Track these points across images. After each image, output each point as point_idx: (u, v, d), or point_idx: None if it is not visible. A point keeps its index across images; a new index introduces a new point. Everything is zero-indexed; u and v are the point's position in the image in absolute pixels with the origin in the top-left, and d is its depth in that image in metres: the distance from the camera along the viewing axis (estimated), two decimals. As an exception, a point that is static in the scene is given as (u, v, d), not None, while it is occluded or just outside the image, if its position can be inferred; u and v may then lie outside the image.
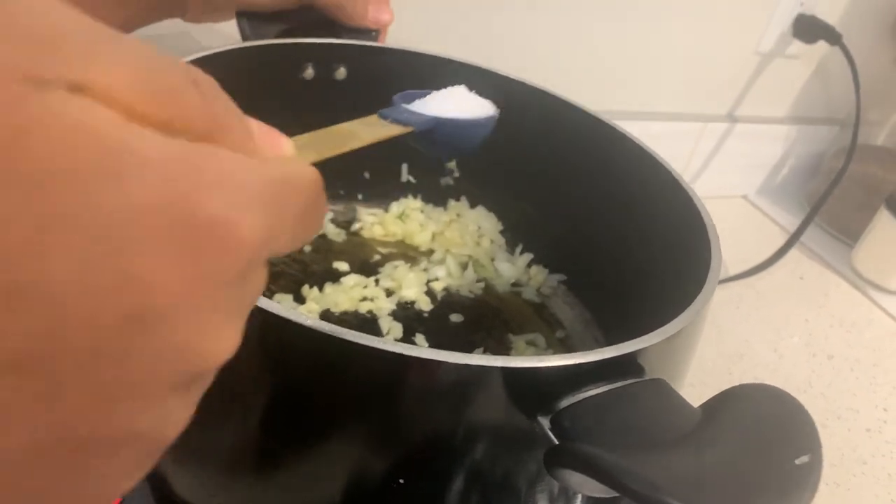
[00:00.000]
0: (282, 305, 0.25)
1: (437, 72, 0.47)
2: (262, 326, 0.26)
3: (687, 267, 0.36)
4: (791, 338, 0.69)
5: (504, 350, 0.45)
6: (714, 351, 0.64)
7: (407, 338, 0.44)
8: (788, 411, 0.25)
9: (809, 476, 0.23)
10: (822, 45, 0.78)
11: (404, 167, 0.52)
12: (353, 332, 0.25)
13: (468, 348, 0.44)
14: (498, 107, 0.35)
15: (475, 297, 0.50)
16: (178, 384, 0.14)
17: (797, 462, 0.23)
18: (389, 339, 0.25)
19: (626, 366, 0.27)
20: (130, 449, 0.14)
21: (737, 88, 0.82)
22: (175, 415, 0.15)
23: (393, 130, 0.29)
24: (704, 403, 0.27)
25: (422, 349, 0.24)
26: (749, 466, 0.23)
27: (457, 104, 0.32)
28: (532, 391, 0.26)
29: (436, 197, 0.53)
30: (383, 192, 0.52)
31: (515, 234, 0.53)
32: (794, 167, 0.92)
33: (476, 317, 0.48)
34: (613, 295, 0.46)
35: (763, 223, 0.87)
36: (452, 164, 0.52)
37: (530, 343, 0.46)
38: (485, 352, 0.44)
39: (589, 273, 0.49)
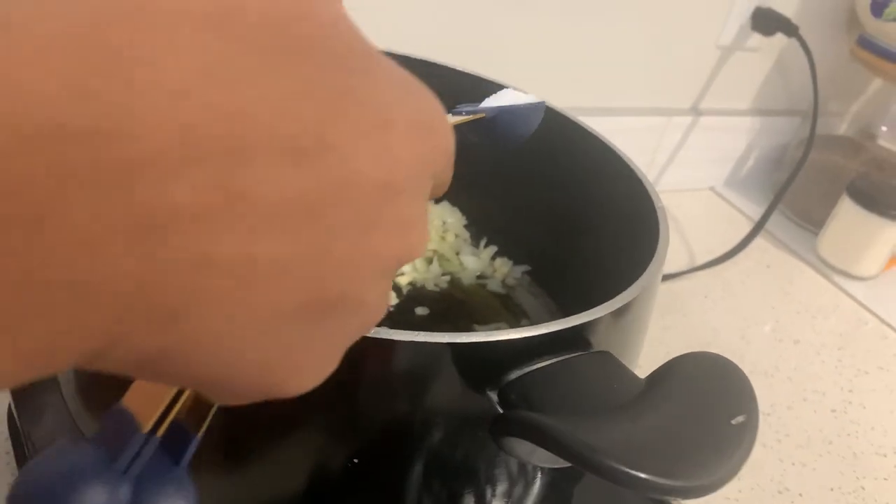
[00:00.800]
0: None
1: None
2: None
3: (640, 251, 0.37)
4: (758, 324, 0.70)
5: (469, 340, 0.46)
6: (682, 339, 0.65)
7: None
8: (727, 376, 0.26)
9: (745, 434, 0.23)
10: (780, 38, 0.80)
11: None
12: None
13: (433, 339, 0.45)
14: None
15: (441, 290, 0.50)
16: (389, 271, 0.16)
17: (733, 422, 0.24)
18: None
19: (573, 339, 0.28)
20: (358, 317, 0.16)
21: (699, 82, 0.84)
22: (383, 298, 0.17)
23: (464, 118, 0.31)
24: (649, 374, 0.27)
25: (376, 329, 0.25)
26: (686, 428, 0.23)
27: (511, 99, 0.34)
28: (481, 366, 0.27)
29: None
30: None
31: (479, 228, 0.54)
32: (759, 158, 0.94)
33: (442, 309, 0.49)
34: (575, 283, 0.47)
35: (730, 214, 0.89)
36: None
37: (495, 332, 0.47)
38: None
39: (552, 263, 0.50)
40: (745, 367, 0.28)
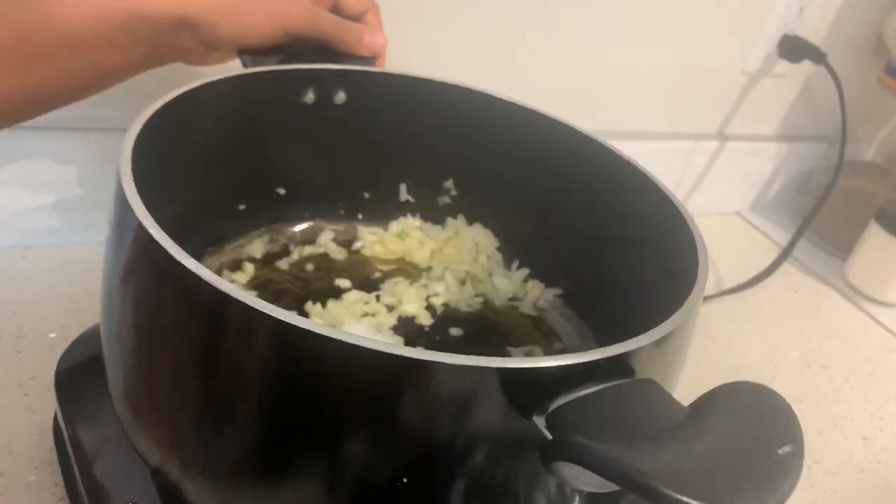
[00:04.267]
0: (287, 313, 0.26)
1: (431, 95, 0.49)
2: (270, 333, 0.27)
3: (678, 277, 0.38)
4: (786, 349, 0.70)
5: (503, 362, 0.47)
6: (710, 363, 0.65)
7: (408, 351, 0.45)
8: (771, 405, 0.26)
9: (792, 464, 0.24)
10: (807, 65, 0.81)
11: (402, 187, 0.54)
12: (355, 335, 0.26)
13: (468, 361, 0.46)
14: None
15: (474, 311, 0.51)
16: None
17: (780, 452, 0.24)
18: (391, 343, 0.26)
19: (618, 367, 0.28)
20: None
21: (726, 107, 0.84)
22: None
23: None
24: (693, 402, 0.28)
25: (422, 351, 0.26)
26: (733, 456, 0.24)
27: None
28: (527, 391, 0.27)
29: (434, 215, 0.55)
30: (383, 211, 0.54)
31: (512, 250, 0.54)
32: (786, 183, 0.94)
33: (475, 330, 0.49)
34: (608, 307, 0.48)
35: (756, 238, 0.89)
36: (450, 184, 0.53)
37: (528, 354, 0.47)
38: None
39: (584, 286, 0.51)
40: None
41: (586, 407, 0.27)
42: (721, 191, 0.89)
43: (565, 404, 0.27)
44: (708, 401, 0.27)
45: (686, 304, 0.32)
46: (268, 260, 0.49)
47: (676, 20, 0.73)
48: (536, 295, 0.52)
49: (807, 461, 0.57)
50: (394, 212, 0.54)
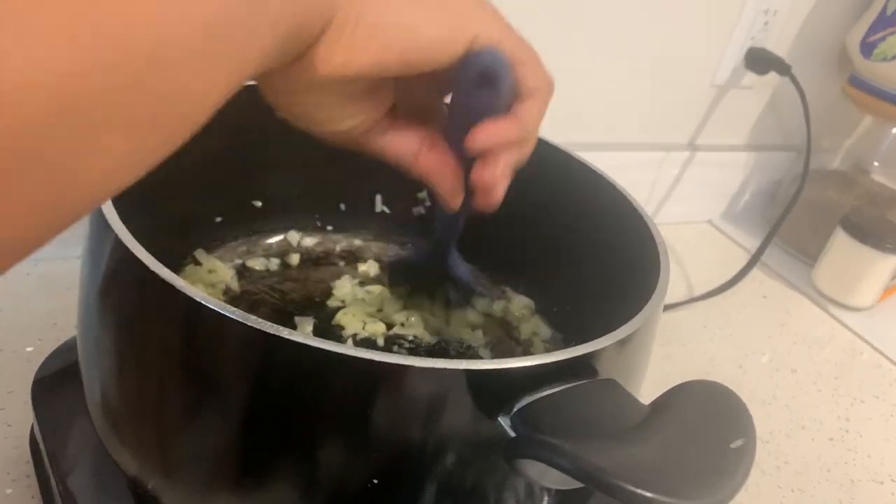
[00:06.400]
0: (260, 320, 0.27)
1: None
2: (245, 342, 0.28)
3: (641, 283, 0.39)
4: (755, 354, 0.71)
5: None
6: (681, 368, 0.67)
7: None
8: (725, 402, 0.28)
9: (743, 457, 0.25)
10: (773, 76, 0.83)
11: (378, 198, 0.55)
12: (326, 341, 0.27)
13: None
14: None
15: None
16: None
17: (732, 446, 0.25)
18: (361, 348, 0.27)
19: (580, 367, 0.30)
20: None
21: (695, 119, 0.87)
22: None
23: None
24: (653, 401, 0.29)
25: (390, 355, 0.27)
26: (689, 451, 0.25)
27: None
28: (494, 391, 0.28)
29: (408, 227, 0.56)
30: (358, 222, 0.55)
31: (481, 259, 0.55)
32: (755, 192, 0.96)
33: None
34: (577, 314, 0.49)
35: (727, 246, 0.91)
36: (424, 195, 0.55)
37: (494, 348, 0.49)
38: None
39: (554, 294, 0.52)
40: (744, 396, 0.29)
41: (549, 406, 0.28)
42: (692, 200, 0.91)
43: (529, 404, 0.28)
44: (667, 399, 0.28)
45: (647, 307, 0.33)
46: (244, 271, 0.50)
47: (646, 34, 0.75)
48: (506, 307, 0.53)
49: (776, 461, 0.58)
50: (369, 222, 0.55)
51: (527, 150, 0.35)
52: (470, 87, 0.31)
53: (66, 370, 0.43)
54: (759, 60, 0.82)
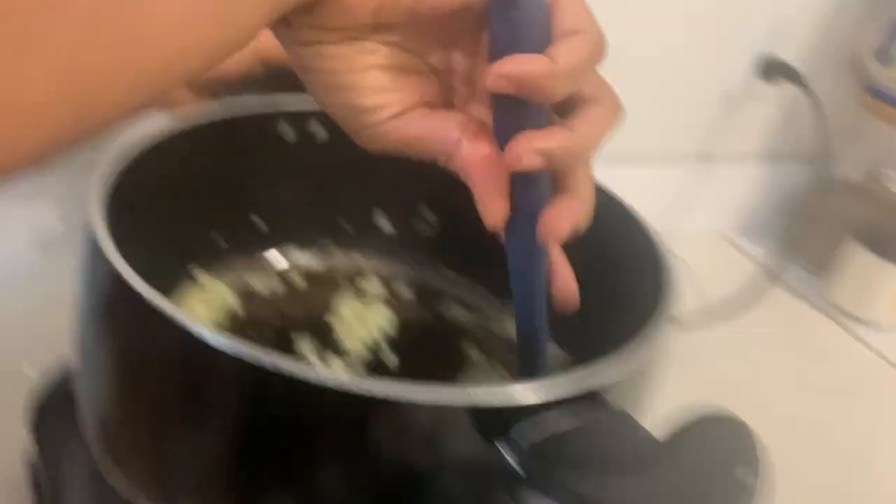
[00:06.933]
0: (256, 349, 0.26)
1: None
2: (240, 372, 0.27)
3: (648, 300, 0.38)
4: (769, 370, 0.70)
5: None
6: (694, 385, 0.65)
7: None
8: (734, 432, 0.27)
9: (746, 485, 0.25)
10: (787, 85, 0.82)
11: (378, 212, 0.54)
12: (323, 373, 0.26)
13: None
14: None
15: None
16: None
17: (736, 475, 0.25)
18: (357, 377, 0.26)
19: (590, 396, 0.29)
20: None
21: (708, 129, 0.85)
22: None
23: None
24: (666, 435, 0.28)
25: (387, 385, 0.26)
26: (699, 485, 0.24)
27: None
28: (496, 425, 0.27)
29: (412, 244, 0.55)
30: (359, 238, 0.54)
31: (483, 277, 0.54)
32: (769, 204, 0.95)
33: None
34: (584, 332, 0.48)
35: (740, 260, 0.89)
36: (425, 209, 0.54)
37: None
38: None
39: (561, 317, 0.51)
40: (757, 414, 0.28)
41: (559, 441, 0.27)
42: (704, 213, 0.89)
43: (536, 436, 0.27)
44: (678, 432, 0.27)
45: (656, 329, 0.32)
46: (243, 289, 0.49)
47: (657, 44, 0.74)
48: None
49: (792, 482, 0.56)
50: (371, 239, 0.54)
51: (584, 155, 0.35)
52: (494, 19, 0.28)
53: (63, 392, 0.42)
54: (771, 68, 0.81)
